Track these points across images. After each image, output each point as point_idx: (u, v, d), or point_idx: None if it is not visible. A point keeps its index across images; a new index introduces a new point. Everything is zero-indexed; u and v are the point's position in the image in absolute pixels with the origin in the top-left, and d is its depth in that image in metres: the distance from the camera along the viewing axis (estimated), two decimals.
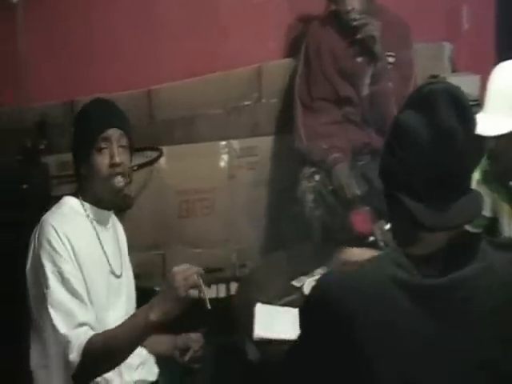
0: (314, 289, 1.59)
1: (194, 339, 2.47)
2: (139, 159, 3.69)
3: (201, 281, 2.01)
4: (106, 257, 2.25)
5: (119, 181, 2.21)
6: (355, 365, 1.46)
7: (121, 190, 2.23)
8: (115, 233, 2.39)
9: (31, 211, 3.41)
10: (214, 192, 3.81)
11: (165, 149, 3.76)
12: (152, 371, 2.40)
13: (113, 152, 2.20)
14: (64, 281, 2.04)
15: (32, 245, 2.12)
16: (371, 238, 2.74)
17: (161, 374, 2.42)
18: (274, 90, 3.75)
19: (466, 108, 1.46)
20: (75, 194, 2.26)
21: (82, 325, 2.01)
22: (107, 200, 2.26)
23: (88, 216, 2.24)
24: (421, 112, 1.46)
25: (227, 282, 3.93)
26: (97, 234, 2.24)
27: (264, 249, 3.85)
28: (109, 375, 2.13)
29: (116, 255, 2.33)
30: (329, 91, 3.44)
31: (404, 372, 1.43)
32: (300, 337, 1.60)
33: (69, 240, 2.08)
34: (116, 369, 2.13)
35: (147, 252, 3.86)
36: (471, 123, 1.48)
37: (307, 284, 2.53)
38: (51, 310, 2.01)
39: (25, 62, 3.46)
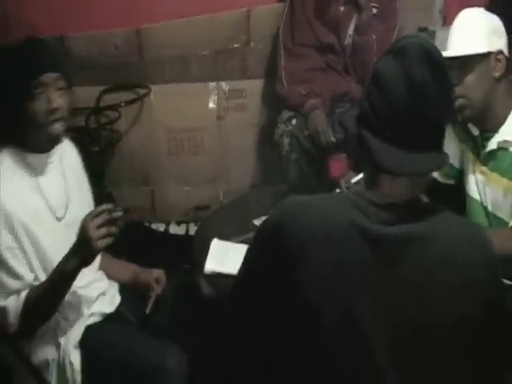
0: (273, 212, 1.61)
1: (156, 277, 2.42)
2: (128, 96, 3.80)
3: (114, 214, 1.91)
4: (48, 203, 2.18)
5: (57, 128, 2.08)
6: (298, 299, 1.51)
7: (59, 137, 2.12)
8: (60, 167, 2.28)
9: None
10: (203, 132, 3.89)
11: (154, 87, 3.85)
12: (113, 302, 2.38)
13: (50, 97, 2.03)
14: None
15: None
16: (337, 190, 2.80)
17: (122, 304, 2.39)
18: (262, 34, 3.78)
19: (440, 63, 1.48)
20: (11, 144, 2.14)
21: (14, 293, 2.05)
22: (45, 146, 2.16)
23: (28, 164, 2.14)
24: (396, 63, 1.48)
25: None
26: (36, 178, 2.16)
27: (251, 188, 3.94)
28: (65, 309, 2.19)
29: (60, 195, 2.24)
30: (311, 37, 3.47)
31: (345, 312, 1.48)
32: (247, 257, 1.65)
33: (2, 207, 2.03)
34: (73, 301, 2.20)
35: (137, 187, 3.98)
36: (444, 79, 1.50)
37: None
38: None
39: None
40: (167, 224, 4.07)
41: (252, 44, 3.80)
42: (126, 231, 2.02)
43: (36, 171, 2.15)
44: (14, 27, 3.58)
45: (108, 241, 1.90)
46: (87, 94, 3.77)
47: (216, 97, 3.87)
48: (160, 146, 3.92)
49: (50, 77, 2.05)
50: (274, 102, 3.78)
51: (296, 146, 3.32)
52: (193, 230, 4.05)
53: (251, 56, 3.83)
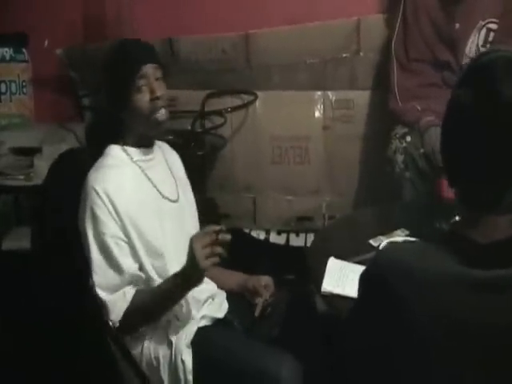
0: (372, 262, 1.54)
1: (265, 284, 2.44)
2: (234, 101, 3.74)
3: (220, 236, 1.98)
4: (157, 188, 2.28)
5: (162, 114, 2.22)
6: (404, 348, 1.43)
7: (163, 123, 2.25)
8: (165, 163, 2.41)
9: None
10: (308, 141, 3.79)
11: (260, 94, 3.78)
12: (221, 307, 2.41)
13: (152, 87, 2.19)
14: (104, 247, 2.13)
15: (80, 203, 2.19)
16: None
17: (229, 312, 2.42)
18: (372, 44, 3.63)
19: None
20: (117, 141, 2.29)
21: (119, 287, 2.14)
22: (150, 136, 2.30)
23: (132, 159, 2.26)
24: (475, 86, 1.36)
25: (316, 231, 3.93)
26: (143, 172, 2.27)
27: (354, 202, 3.82)
28: (176, 309, 2.23)
29: (170, 183, 2.37)
30: (427, 53, 3.29)
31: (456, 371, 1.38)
32: (356, 302, 1.60)
33: (110, 199, 2.13)
34: (183, 303, 2.23)
35: (238, 194, 3.93)
36: None
37: (383, 243, 2.46)
38: (93, 274, 2.13)
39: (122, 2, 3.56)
40: (267, 232, 3.99)
41: (361, 54, 3.66)
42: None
43: (143, 165, 2.27)
44: (125, 30, 3.61)
45: (214, 260, 1.97)
46: (192, 98, 3.76)
47: (322, 106, 3.76)
48: (264, 153, 3.84)
49: (149, 68, 2.19)
50: (382, 115, 3.62)
51: (411, 164, 3.15)
52: (293, 240, 3.98)
53: (360, 66, 3.68)
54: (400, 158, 3.17)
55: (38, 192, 3.47)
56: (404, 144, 3.18)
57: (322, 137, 3.77)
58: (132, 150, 2.28)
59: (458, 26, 3.20)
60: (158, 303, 2.15)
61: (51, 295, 2.88)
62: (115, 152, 2.27)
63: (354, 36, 3.62)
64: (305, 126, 3.78)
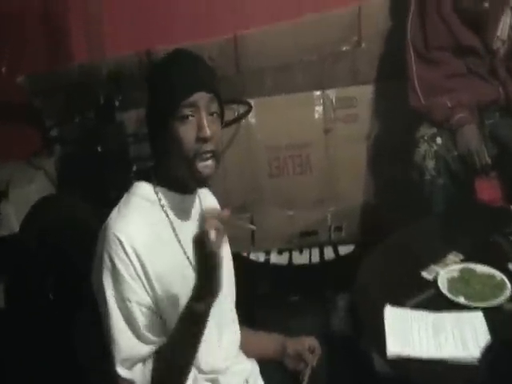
0: None
1: (309, 347, 2.03)
2: (226, 114, 3.29)
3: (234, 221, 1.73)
4: (187, 256, 1.80)
5: (207, 165, 1.70)
6: None
7: (207, 179, 1.73)
8: (200, 214, 1.86)
9: (108, 176, 3.10)
10: (308, 148, 3.41)
11: (253, 101, 3.36)
12: None
13: (201, 122, 1.68)
14: (128, 315, 1.68)
15: (97, 249, 1.73)
16: None
17: None
18: (375, 32, 3.27)
19: None
20: (149, 177, 1.80)
21: (140, 360, 1.70)
22: (187, 186, 1.80)
23: (163, 207, 1.78)
24: None
25: (321, 246, 3.58)
26: (173, 230, 1.79)
27: (362, 210, 3.48)
28: None
29: None
30: (448, 39, 2.94)
31: None
32: None
33: (139, 257, 1.68)
34: None
35: (233, 214, 3.48)
36: None
37: (441, 278, 2.14)
38: (111, 337, 1.69)
39: (97, 11, 3.03)
40: (267, 253, 3.60)
41: (363, 45, 3.30)
42: None
43: (174, 219, 1.79)
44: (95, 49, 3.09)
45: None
46: None
47: (322, 107, 3.39)
48: (260, 166, 3.44)
49: (202, 97, 1.69)
50: (388, 110, 3.31)
51: (443, 169, 2.82)
52: (297, 258, 3.63)
53: (362, 59, 3.32)
54: (431, 163, 2.84)
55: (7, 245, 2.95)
56: (434, 147, 2.85)
57: (324, 141, 3.41)
58: (165, 194, 1.79)
59: (487, 4, 2.85)
60: (182, 346, 1.69)
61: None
62: (146, 192, 1.78)
63: (355, 26, 3.26)
64: (304, 131, 3.40)
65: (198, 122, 1.68)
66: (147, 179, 1.81)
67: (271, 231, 3.54)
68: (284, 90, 3.35)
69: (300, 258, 3.59)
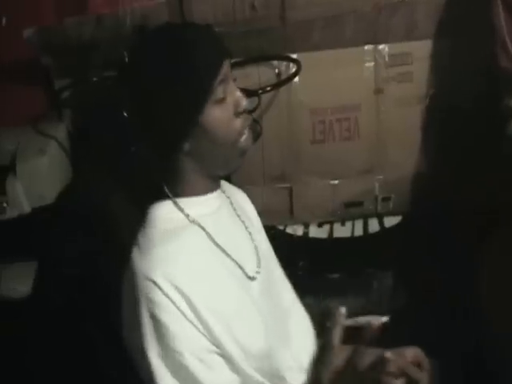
0: None
1: (414, 360, 1.57)
2: (264, 73, 2.90)
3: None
4: (236, 262, 1.54)
5: (247, 138, 1.56)
6: None
7: (246, 152, 1.59)
8: (233, 212, 1.69)
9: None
10: (357, 110, 3.02)
11: (295, 56, 2.96)
12: None
13: (236, 96, 1.52)
14: (183, 371, 1.37)
15: (124, 302, 1.44)
16: None
17: None
18: None
19: None
20: (165, 194, 1.54)
21: None
22: (218, 177, 1.61)
23: (188, 217, 1.50)
24: None
25: (365, 217, 3.22)
26: (209, 237, 1.51)
27: (414, 179, 3.12)
28: None
29: (247, 246, 1.64)
30: None
31: None
32: None
33: (181, 291, 1.38)
34: None
35: (271, 185, 3.12)
36: None
37: None
38: None
39: None
40: (306, 226, 3.24)
41: None
42: None
43: (207, 226, 1.52)
44: None
45: None
46: None
47: (373, 64, 2.98)
48: (302, 132, 3.05)
49: (227, 66, 1.54)
50: (447, 69, 2.94)
51: None
52: (338, 230, 3.27)
53: (421, 10, 2.91)
54: None
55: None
56: None
57: (374, 103, 3.02)
58: (187, 203, 1.53)
59: None
60: None
61: None
62: (167, 212, 1.52)
63: None
64: (352, 92, 3.01)
65: (233, 97, 1.51)
66: (162, 196, 1.54)
67: (312, 203, 3.18)
68: (332, 44, 2.95)
69: (342, 231, 3.24)
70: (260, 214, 3.13)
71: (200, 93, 1.41)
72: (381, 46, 2.97)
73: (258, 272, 1.60)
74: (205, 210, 1.54)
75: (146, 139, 1.51)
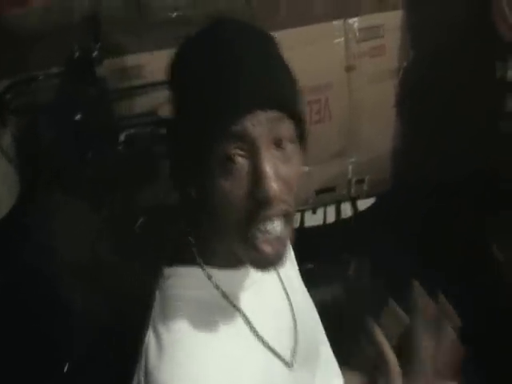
0: None
1: None
2: None
3: None
4: (272, 349, 1.19)
5: (275, 230, 1.02)
6: None
7: (274, 260, 1.06)
8: (279, 282, 1.29)
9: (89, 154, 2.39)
10: (328, 90, 2.80)
11: None
12: None
13: (262, 166, 0.98)
14: None
15: None
16: None
17: None
18: None
19: None
20: (189, 251, 1.14)
21: None
22: (251, 264, 1.11)
23: (224, 294, 1.13)
24: None
25: (337, 202, 3.02)
26: (247, 322, 1.15)
27: (388, 160, 2.92)
28: None
29: (286, 326, 1.27)
30: None
31: None
32: None
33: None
34: None
35: None
36: None
37: None
38: None
39: None
40: None
41: None
42: None
43: (238, 299, 1.14)
44: None
45: None
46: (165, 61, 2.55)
47: (343, 40, 2.75)
48: None
49: (263, 118, 0.99)
50: (417, 37, 2.72)
51: None
52: (309, 219, 3.04)
53: None
54: None
55: None
56: None
57: (346, 81, 2.80)
58: (222, 277, 1.14)
59: None
60: None
61: None
62: (197, 285, 1.12)
63: None
64: (323, 71, 2.78)
65: (255, 167, 0.99)
66: (190, 258, 1.13)
67: None
68: (299, 21, 2.69)
69: (313, 219, 3.02)
70: None
71: (202, 136, 1.00)
72: (351, 20, 2.72)
73: (294, 355, 1.25)
74: (241, 284, 1.17)
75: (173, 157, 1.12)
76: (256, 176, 0.98)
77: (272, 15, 2.62)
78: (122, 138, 2.51)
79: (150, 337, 1.08)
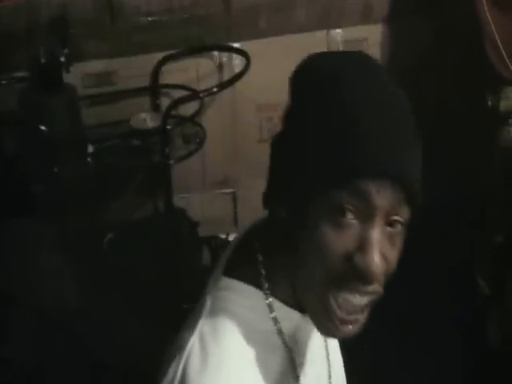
0: None
1: None
2: (206, 64, 2.52)
3: None
4: None
5: (346, 318, 0.96)
6: None
7: (336, 335, 1.04)
8: (322, 345, 1.22)
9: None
10: None
11: (239, 45, 2.58)
12: None
13: (371, 236, 0.91)
14: None
15: None
16: None
17: None
18: None
19: None
20: (254, 271, 1.04)
21: None
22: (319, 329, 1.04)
23: (278, 329, 1.05)
24: None
25: None
26: (291, 362, 1.08)
27: None
28: None
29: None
30: None
31: None
32: None
33: None
34: None
35: (212, 191, 2.76)
36: None
37: None
38: None
39: None
40: None
41: None
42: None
43: (291, 342, 1.07)
44: None
45: None
46: (140, 67, 2.44)
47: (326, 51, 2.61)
48: (248, 132, 2.69)
49: (386, 196, 0.90)
50: (403, 53, 2.62)
51: None
52: None
53: None
54: None
55: None
56: None
57: None
58: (284, 315, 1.05)
59: None
60: None
61: None
62: (255, 310, 1.04)
63: None
64: None
65: (364, 235, 0.92)
66: (245, 272, 1.04)
67: (258, 207, 2.79)
68: (280, 31, 2.57)
69: None
70: (202, 224, 2.78)
71: (319, 172, 0.92)
72: (334, 32, 2.61)
73: None
74: (299, 329, 1.09)
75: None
76: (363, 243, 0.91)
77: (251, 23, 2.49)
78: (90, 149, 2.38)
79: (195, 343, 1.02)
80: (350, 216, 0.91)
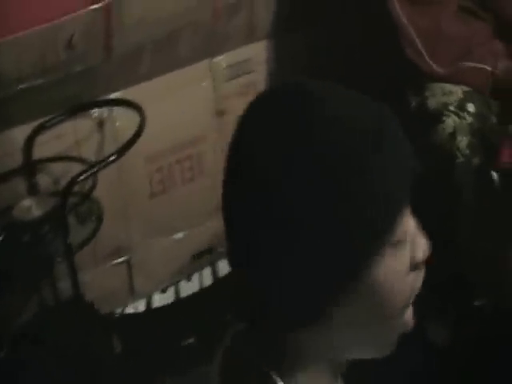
0: None
1: None
2: (84, 125, 2.15)
3: None
4: None
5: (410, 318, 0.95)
6: None
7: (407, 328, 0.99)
8: None
9: None
10: (200, 144, 2.38)
11: (119, 94, 2.22)
12: None
13: (419, 240, 0.92)
14: None
15: None
16: None
17: None
18: None
19: None
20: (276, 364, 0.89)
21: None
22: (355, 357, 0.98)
23: None
24: None
25: (212, 263, 2.64)
26: None
27: None
28: None
29: None
30: None
31: None
32: None
33: None
34: None
35: (104, 265, 2.39)
36: None
37: None
38: None
39: None
40: (148, 297, 2.57)
41: None
42: None
43: None
44: None
45: None
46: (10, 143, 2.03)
47: (211, 82, 2.33)
48: (137, 189, 2.34)
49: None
50: (291, 68, 2.39)
51: (478, 146, 2.05)
52: (185, 288, 2.63)
53: (262, 8, 2.31)
54: (464, 140, 2.03)
55: None
56: (468, 119, 2.04)
57: (217, 128, 2.39)
58: None
59: None
60: None
61: None
62: None
63: None
64: (191, 121, 2.35)
65: (414, 241, 0.91)
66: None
67: (154, 269, 2.53)
68: (163, 69, 2.23)
69: (189, 287, 2.62)
70: (97, 301, 2.38)
71: (380, 228, 0.84)
72: (216, 59, 2.30)
73: None
74: None
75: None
76: (415, 247, 0.91)
77: (134, 66, 2.10)
78: None
79: None
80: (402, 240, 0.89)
